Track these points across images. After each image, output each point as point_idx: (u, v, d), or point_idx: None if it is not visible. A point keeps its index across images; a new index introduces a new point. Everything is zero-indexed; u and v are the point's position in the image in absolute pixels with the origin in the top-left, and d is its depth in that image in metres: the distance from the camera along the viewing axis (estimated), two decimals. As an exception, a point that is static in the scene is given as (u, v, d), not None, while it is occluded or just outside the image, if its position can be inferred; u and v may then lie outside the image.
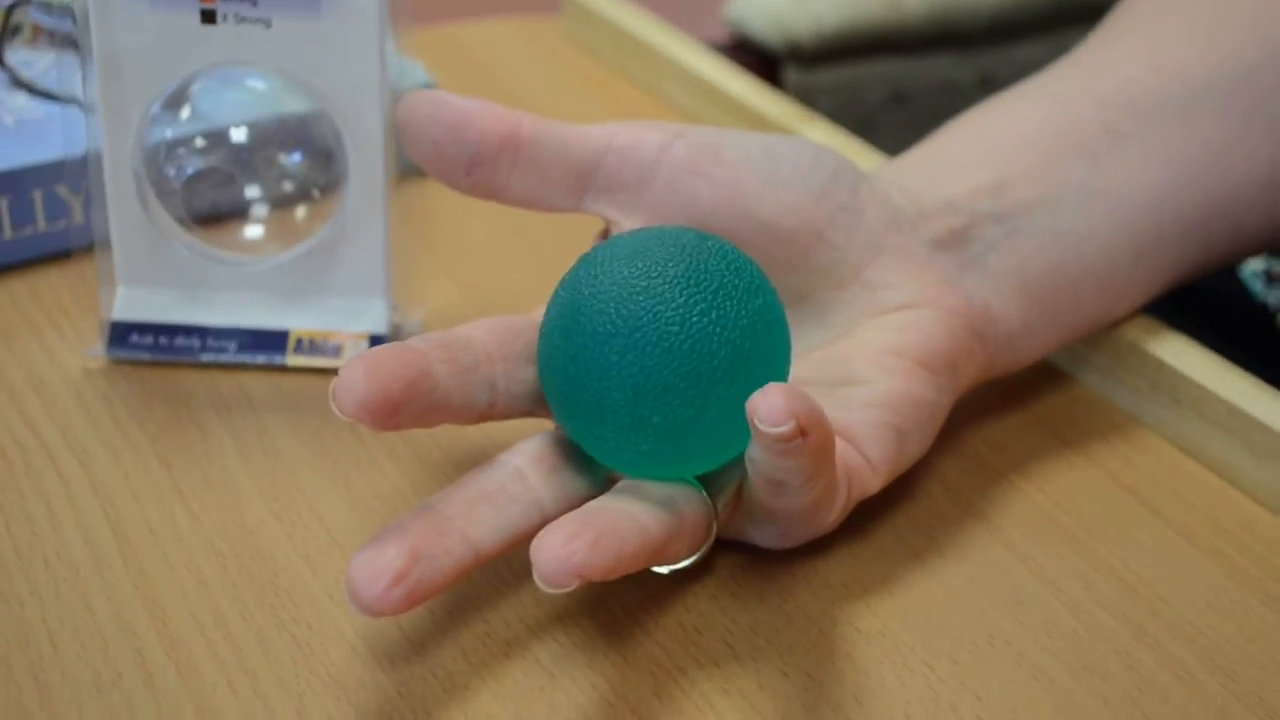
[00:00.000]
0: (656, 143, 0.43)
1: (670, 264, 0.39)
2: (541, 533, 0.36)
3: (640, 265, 0.39)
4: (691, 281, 0.38)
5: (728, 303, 0.38)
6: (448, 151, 0.42)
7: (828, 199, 0.43)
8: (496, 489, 0.39)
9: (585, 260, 0.40)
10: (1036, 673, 0.40)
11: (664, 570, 0.41)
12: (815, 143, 0.45)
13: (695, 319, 0.38)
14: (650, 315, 0.38)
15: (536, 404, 0.42)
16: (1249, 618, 0.42)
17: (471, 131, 0.42)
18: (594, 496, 0.40)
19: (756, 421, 0.35)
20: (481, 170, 0.42)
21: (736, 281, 0.39)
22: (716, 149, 0.43)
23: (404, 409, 0.38)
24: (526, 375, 0.41)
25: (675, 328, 0.38)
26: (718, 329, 0.38)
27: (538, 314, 0.43)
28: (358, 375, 0.37)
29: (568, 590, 0.35)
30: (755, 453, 0.38)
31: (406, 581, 0.36)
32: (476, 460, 0.46)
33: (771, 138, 0.44)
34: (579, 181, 0.43)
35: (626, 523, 0.37)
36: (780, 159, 0.43)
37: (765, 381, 0.37)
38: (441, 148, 0.42)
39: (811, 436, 0.36)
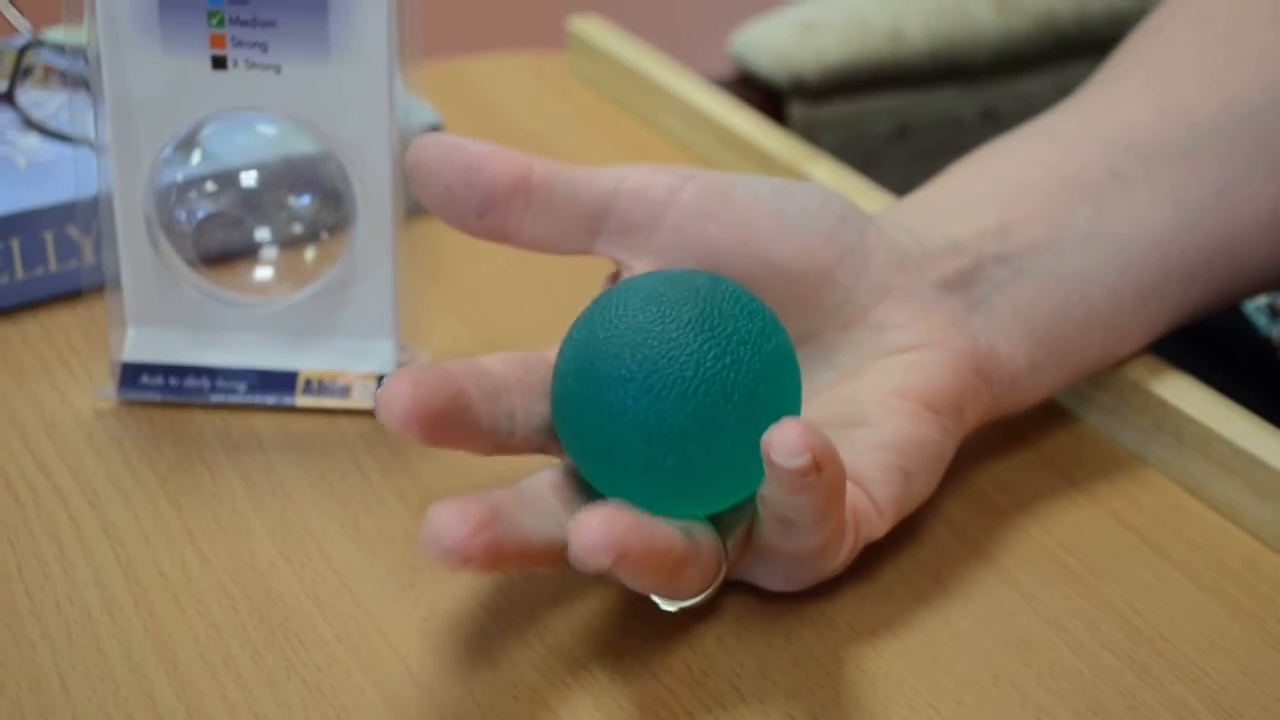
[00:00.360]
0: (666, 185, 0.43)
1: (684, 308, 0.39)
2: (580, 513, 0.36)
3: (654, 309, 0.39)
4: (705, 326, 0.39)
5: (742, 347, 0.39)
6: (459, 196, 0.42)
7: (836, 241, 0.44)
8: (526, 504, 0.40)
9: (598, 304, 0.40)
10: (1041, 713, 0.40)
11: (672, 607, 0.42)
12: (823, 186, 0.45)
13: (709, 363, 0.38)
14: (665, 360, 0.38)
15: (550, 438, 0.42)
16: (1252, 658, 0.42)
17: (483, 176, 0.42)
18: None
19: (772, 455, 0.36)
20: (494, 215, 0.43)
21: (750, 325, 0.39)
22: (726, 191, 0.43)
23: (445, 423, 0.38)
24: (541, 410, 0.42)
25: (690, 372, 0.38)
26: (731, 373, 0.38)
27: (552, 352, 0.43)
28: (403, 387, 0.38)
29: (602, 566, 0.35)
30: (768, 491, 0.38)
31: (490, 530, 0.36)
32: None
33: (781, 181, 0.45)
34: (590, 224, 0.43)
35: (654, 523, 0.37)
36: (789, 202, 0.44)
37: None
38: (453, 192, 0.42)
39: (825, 472, 0.36)
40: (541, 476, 0.41)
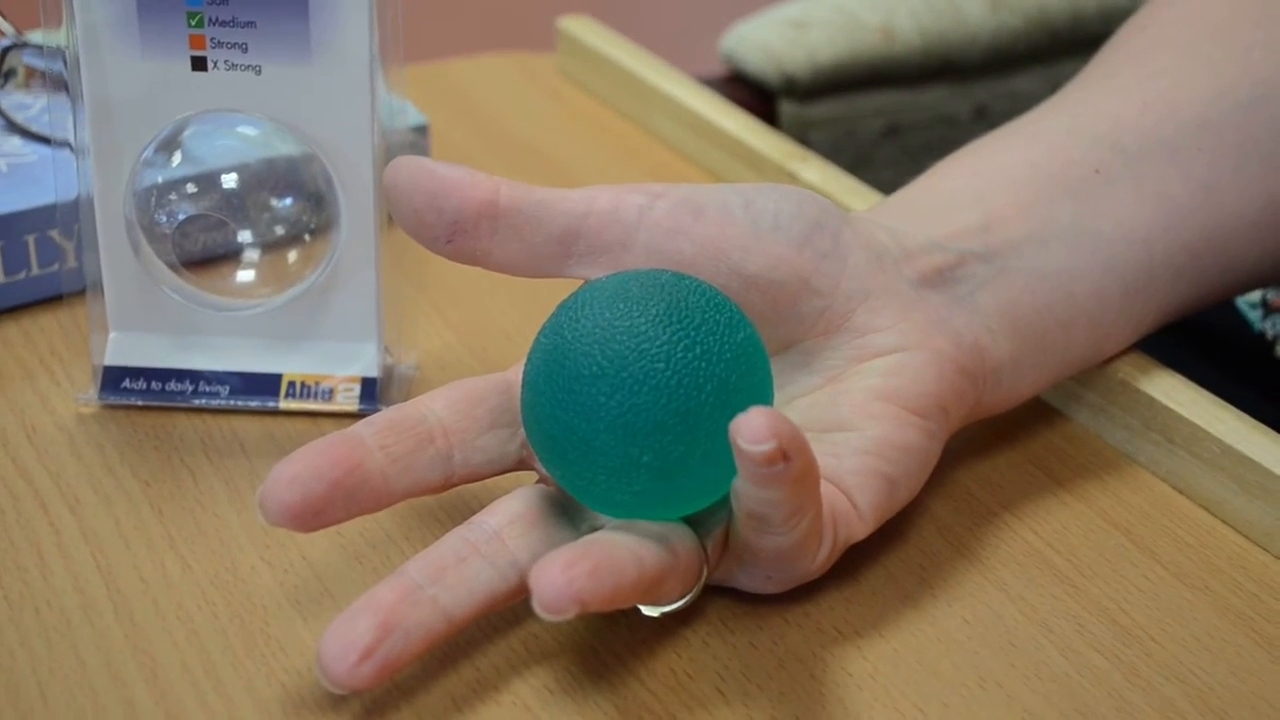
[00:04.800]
0: (636, 205, 0.43)
1: (651, 302, 0.39)
2: (540, 561, 0.36)
3: (621, 306, 0.39)
4: (674, 319, 0.38)
5: (710, 338, 0.39)
6: (428, 220, 0.42)
7: (810, 248, 0.43)
8: (471, 552, 0.40)
9: (565, 306, 0.40)
10: (1028, 716, 0.40)
11: (654, 613, 0.41)
12: (798, 190, 0.45)
13: (680, 354, 0.38)
14: (636, 354, 0.38)
15: (503, 466, 0.43)
16: (1241, 658, 0.42)
17: (450, 200, 0.42)
18: None
19: (739, 441, 0.36)
20: (462, 239, 0.42)
21: (717, 317, 0.39)
22: (697, 207, 0.43)
23: (330, 509, 0.39)
24: (487, 442, 0.42)
25: (661, 364, 0.38)
26: (703, 364, 0.38)
27: (512, 372, 0.43)
28: (282, 482, 0.39)
29: (566, 618, 0.35)
30: (739, 485, 0.38)
31: (375, 657, 0.37)
32: (469, 506, 0.46)
33: (752, 189, 0.44)
34: (561, 248, 0.43)
35: (623, 554, 0.37)
36: (761, 212, 0.43)
37: None
38: (422, 216, 0.42)
39: (794, 462, 0.36)
40: (501, 505, 0.41)
